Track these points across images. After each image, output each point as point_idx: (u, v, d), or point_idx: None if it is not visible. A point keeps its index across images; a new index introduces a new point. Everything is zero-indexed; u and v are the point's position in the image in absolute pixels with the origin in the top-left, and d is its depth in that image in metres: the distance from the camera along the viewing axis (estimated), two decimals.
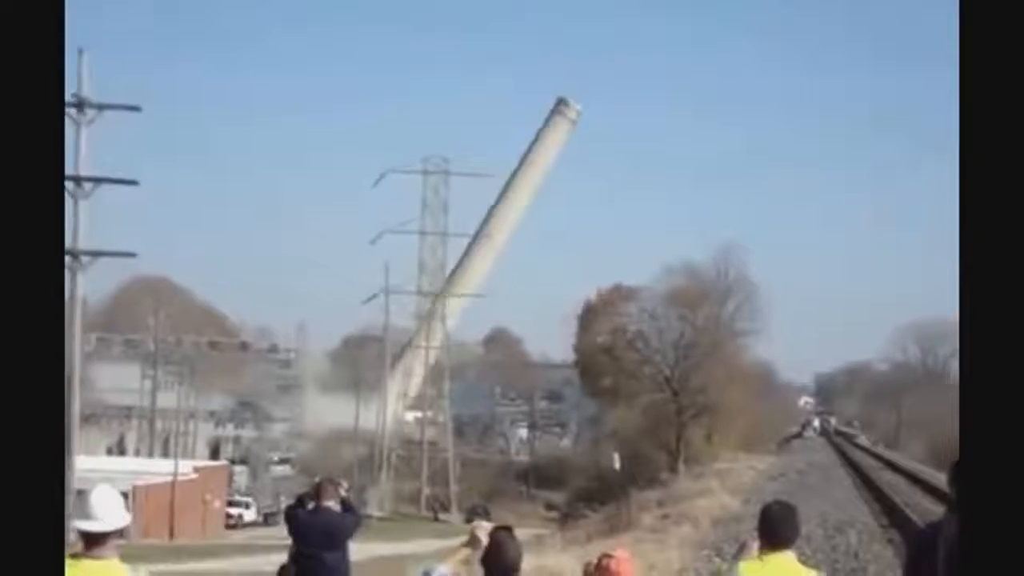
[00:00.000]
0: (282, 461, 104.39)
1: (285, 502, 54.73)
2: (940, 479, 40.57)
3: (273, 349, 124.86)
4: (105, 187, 44.77)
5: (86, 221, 44.23)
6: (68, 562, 6.23)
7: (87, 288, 50.35)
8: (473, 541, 6.94)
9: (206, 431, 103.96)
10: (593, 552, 11.99)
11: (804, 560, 7.24)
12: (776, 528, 6.97)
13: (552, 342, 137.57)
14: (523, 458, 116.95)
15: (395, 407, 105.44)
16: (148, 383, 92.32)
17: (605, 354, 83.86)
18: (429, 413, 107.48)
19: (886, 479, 51.16)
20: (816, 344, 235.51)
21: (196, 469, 77.31)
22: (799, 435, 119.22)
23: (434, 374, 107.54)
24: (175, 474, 71.54)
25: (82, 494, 6.70)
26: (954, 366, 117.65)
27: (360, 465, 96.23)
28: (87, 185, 43.55)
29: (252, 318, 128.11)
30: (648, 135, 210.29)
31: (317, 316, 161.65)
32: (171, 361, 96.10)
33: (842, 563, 21.93)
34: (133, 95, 56.93)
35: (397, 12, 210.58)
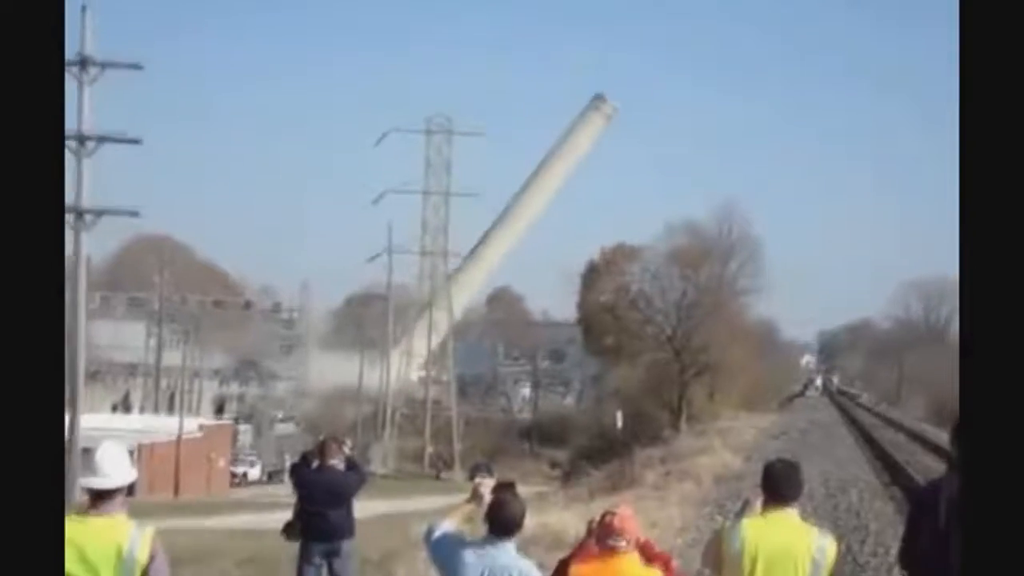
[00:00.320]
0: (286, 419, 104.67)
1: (289, 460, 54.92)
2: (941, 437, 40.71)
3: (276, 308, 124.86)
4: (108, 146, 44.74)
5: (89, 180, 44.22)
6: (75, 518, 6.26)
7: (91, 246, 50.41)
8: (476, 498, 6.97)
9: (210, 389, 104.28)
10: (596, 509, 12.03)
11: (806, 517, 7.28)
12: (779, 486, 7.01)
13: (555, 301, 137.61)
14: (526, 416, 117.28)
15: (398, 365, 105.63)
16: (152, 341, 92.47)
17: (608, 313, 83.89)
18: (433, 372, 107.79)
19: (888, 437, 51.34)
20: (819, 302, 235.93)
21: (201, 427, 77.56)
22: (801, 393, 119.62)
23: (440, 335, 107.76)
24: (180, 432, 71.80)
25: (88, 451, 6.73)
26: (955, 324, 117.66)
27: (364, 423, 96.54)
28: (90, 144, 43.50)
29: (255, 277, 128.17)
30: (651, 99, 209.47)
31: (320, 275, 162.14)
32: (175, 319, 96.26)
33: (844, 521, 22.03)
34: (136, 55, 56.59)
35: None
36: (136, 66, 45.28)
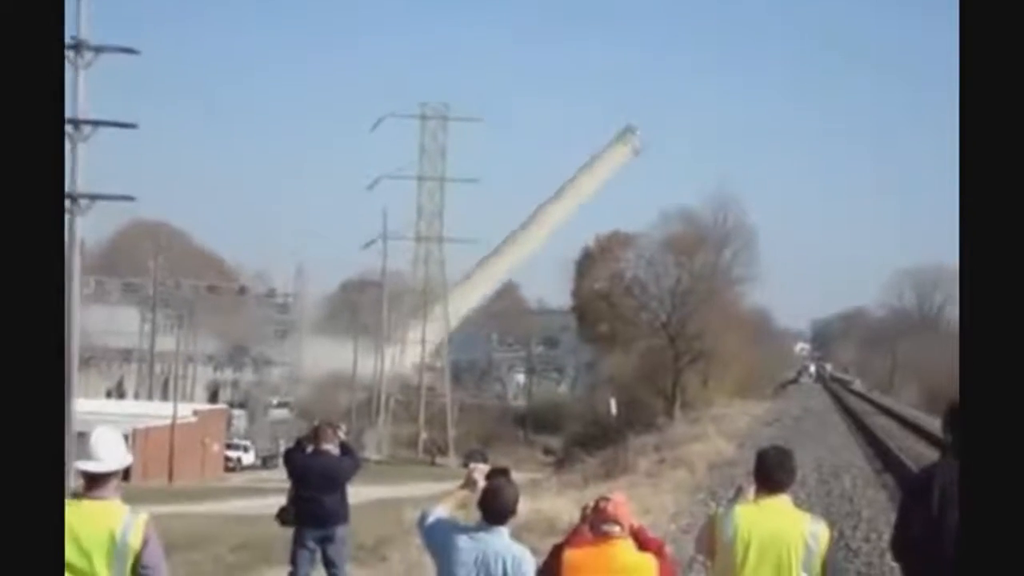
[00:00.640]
0: (280, 405, 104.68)
1: (284, 445, 55.01)
2: (934, 424, 40.79)
3: (271, 293, 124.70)
4: (104, 131, 44.57)
5: (84, 164, 44.09)
6: (69, 502, 6.25)
7: (85, 231, 50.30)
8: (470, 484, 6.98)
9: (204, 374, 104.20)
10: (590, 496, 12.07)
11: (799, 504, 7.30)
12: (772, 472, 7.03)
13: (549, 288, 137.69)
14: (520, 403, 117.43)
15: (393, 351, 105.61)
16: (147, 326, 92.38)
17: (602, 300, 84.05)
18: (427, 358, 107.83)
19: (880, 424, 51.44)
20: (812, 290, 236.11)
21: (195, 412, 77.60)
22: (795, 381, 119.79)
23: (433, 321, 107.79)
24: (174, 417, 71.82)
25: (83, 436, 6.73)
26: (949, 312, 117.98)
27: (358, 409, 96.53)
28: (86, 128, 43.35)
29: (250, 262, 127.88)
30: (647, 83, 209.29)
31: (315, 261, 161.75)
32: (170, 304, 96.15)
33: (836, 507, 22.08)
34: (133, 40, 56.49)
35: None
36: (131, 51, 45.13)
